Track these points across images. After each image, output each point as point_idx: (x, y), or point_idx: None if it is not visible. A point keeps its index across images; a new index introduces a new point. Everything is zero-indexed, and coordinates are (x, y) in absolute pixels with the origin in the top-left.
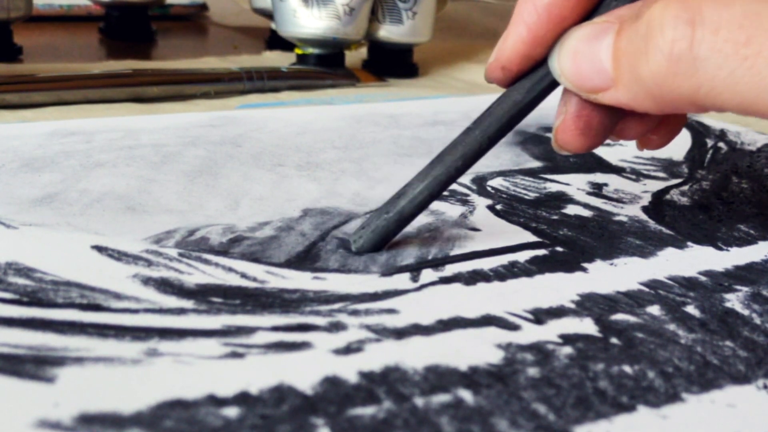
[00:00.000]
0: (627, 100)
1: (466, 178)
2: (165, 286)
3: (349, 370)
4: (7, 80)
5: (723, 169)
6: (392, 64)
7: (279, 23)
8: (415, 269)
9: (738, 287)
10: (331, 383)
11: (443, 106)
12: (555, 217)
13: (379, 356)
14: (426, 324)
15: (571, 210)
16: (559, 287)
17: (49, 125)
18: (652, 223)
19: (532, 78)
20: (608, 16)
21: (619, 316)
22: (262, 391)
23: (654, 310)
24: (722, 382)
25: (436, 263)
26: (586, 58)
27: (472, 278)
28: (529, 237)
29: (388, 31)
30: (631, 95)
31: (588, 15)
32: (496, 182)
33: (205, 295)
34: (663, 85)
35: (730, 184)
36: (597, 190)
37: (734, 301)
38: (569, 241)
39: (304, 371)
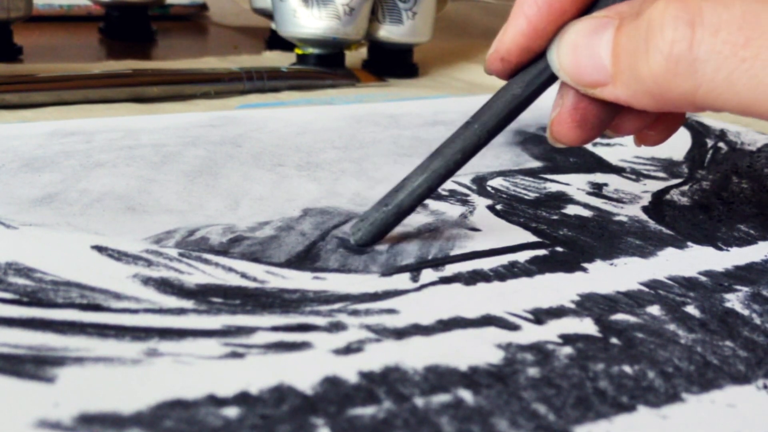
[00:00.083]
0: (625, 97)
1: (466, 178)
2: (165, 286)
3: (349, 370)
4: (7, 80)
5: (723, 169)
6: (392, 64)
7: (279, 23)
8: (415, 269)
9: (738, 287)
10: (331, 383)
11: (443, 106)
12: (555, 217)
13: (379, 356)
14: (426, 324)
15: (571, 210)
16: (559, 287)
17: (49, 125)
18: (652, 223)
19: (531, 71)
20: (608, 11)
21: (619, 316)
22: (262, 391)
23: (654, 310)
24: (722, 382)
25: (436, 263)
26: (586, 53)
27: (472, 278)
28: (529, 237)
29: (388, 31)
30: (630, 92)
31: (588, 9)
32: (496, 182)
33: (205, 295)
34: (662, 85)
35: (730, 184)
36: (597, 190)
37: (734, 301)
38: (569, 241)
39: (304, 371)
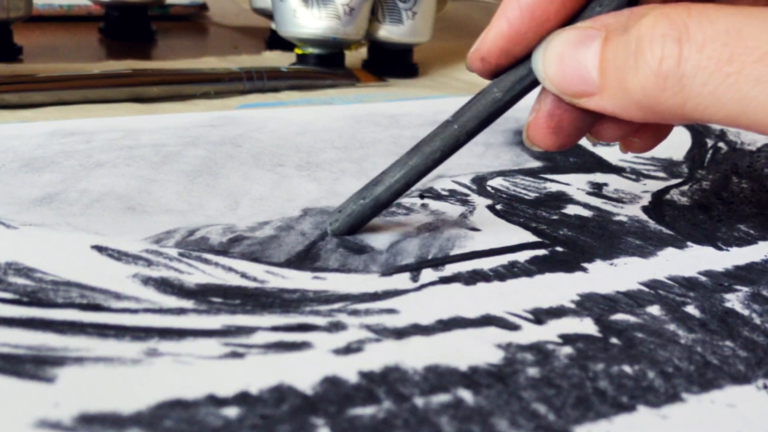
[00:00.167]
0: (612, 108)
1: (466, 178)
2: (165, 286)
3: (349, 370)
4: (7, 80)
5: (723, 169)
6: (392, 64)
7: (279, 23)
8: (415, 269)
9: (738, 287)
10: (331, 383)
11: (443, 106)
12: (555, 217)
13: (379, 356)
14: (426, 324)
15: (571, 210)
16: (559, 287)
17: (49, 125)
18: (652, 223)
19: (513, 76)
20: (593, 22)
21: (619, 316)
22: (262, 391)
23: (654, 310)
24: (722, 382)
25: (436, 263)
26: (572, 64)
27: (472, 278)
28: (529, 237)
29: (388, 31)
30: (617, 104)
31: (571, 19)
32: (496, 182)
33: (205, 295)
34: (651, 99)
35: (730, 184)
36: (597, 190)
37: (734, 301)
38: (569, 241)
39: (304, 371)
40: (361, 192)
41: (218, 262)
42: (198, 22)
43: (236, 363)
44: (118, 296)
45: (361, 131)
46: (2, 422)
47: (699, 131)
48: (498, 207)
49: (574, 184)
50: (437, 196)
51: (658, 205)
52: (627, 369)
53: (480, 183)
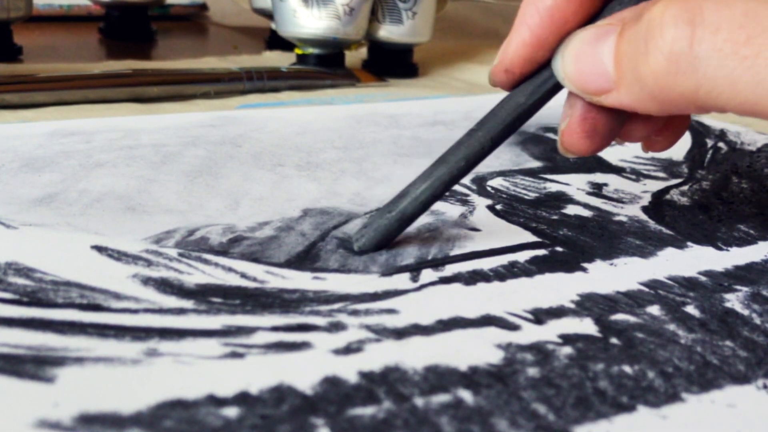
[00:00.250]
0: (629, 102)
1: (466, 179)
2: (165, 286)
3: (349, 370)
4: (7, 80)
5: (723, 169)
6: (392, 64)
7: (279, 23)
8: (415, 269)
9: (738, 287)
10: (331, 383)
11: (443, 106)
12: (555, 217)
13: (379, 356)
14: (426, 324)
15: (571, 210)
16: (559, 287)
17: (49, 125)
18: (652, 223)
19: (536, 81)
20: (611, 19)
21: (619, 316)
22: (262, 391)
23: (654, 310)
24: (722, 382)
25: (436, 263)
26: (589, 61)
27: (472, 278)
28: (529, 237)
29: (388, 31)
30: (633, 97)
31: (591, 18)
32: (496, 182)
33: (205, 295)
34: (663, 85)
35: (730, 184)
36: (597, 190)
37: (734, 301)
38: (569, 241)
39: (304, 371)
40: (386, 206)
41: (218, 262)
42: (198, 22)
43: (236, 363)
44: (118, 296)
45: (361, 131)
46: (2, 422)
47: (699, 131)
48: (498, 207)
49: (574, 184)
50: None
51: (658, 205)
52: (627, 369)
53: (480, 183)
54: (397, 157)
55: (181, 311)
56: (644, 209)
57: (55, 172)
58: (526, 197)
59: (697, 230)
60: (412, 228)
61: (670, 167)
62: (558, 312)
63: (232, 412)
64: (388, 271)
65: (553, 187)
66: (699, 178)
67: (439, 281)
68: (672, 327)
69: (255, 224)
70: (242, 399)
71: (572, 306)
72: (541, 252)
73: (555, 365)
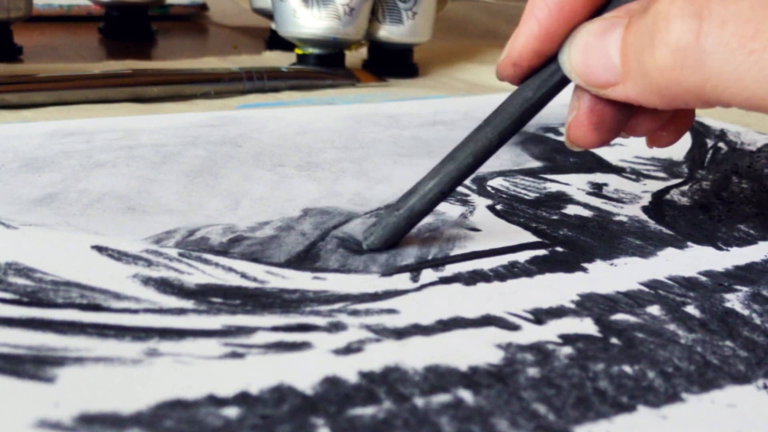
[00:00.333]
0: (635, 95)
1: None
2: (165, 286)
3: (349, 370)
4: (7, 80)
5: (723, 169)
6: (392, 64)
7: (279, 23)
8: (415, 269)
9: (738, 287)
10: (331, 383)
11: (443, 106)
12: (555, 217)
13: (379, 356)
14: (426, 324)
15: (571, 210)
16: (559, 287)
17: (49, 125)
18: (652, 223)
19: (543, 74)
20: (618, 11)
21: (619, 316)
22: (262, 391)
23: (654, 310)
24: (722, 382)
25: (436, 263)
26: (596, 53)
27: (472, 278)
28: (529, 237)
29: (388, 31)
30: (639, 90)
31: (599, 11)
32: (496, 182)
33: (205, 295)
34: (669, 79)
35: (730, 184)
36: (597, 190)
37: (734, 301)
38: (569, 241)
39: (304, 371)
40: (395, 204)
41: (218, 262)
42: (198, 22)
43: (236, 363)
44: (118, 296)
45: (361, 131)
46: (2, 422)
47: (699, 131)
48: (498, 207)
49: (574, 184)
50: None
51: (658, 205)
52: (627, 369)
53: (480, 183)
54: (397, 157)
55: (181, 311)
56: (644, 209)
57: (55, 172)
58: (526, 197)
59: (697, 230)
60: (413, 228)
61: (670, 167)
62: (558, 312)
63: (232, 412)
64: (389, 271)
65: (553, 187)
66: (699, 178)
67: (440, 281)
68: (672, 327)
69: (255, 224)
70: (242, 399)
71: (572, 306)
72: (541, 252)
73: (555, 365)
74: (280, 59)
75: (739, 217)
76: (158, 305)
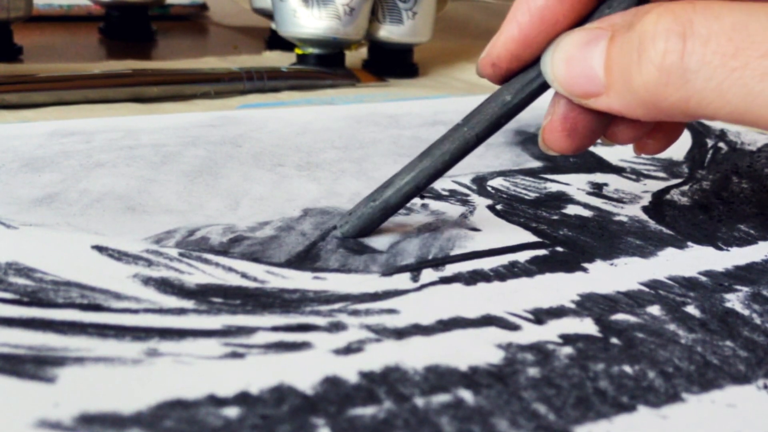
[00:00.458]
0: (619, 107)
1: (466, 178)
2: (165, 286)
3: (349, 370)
4: (7, 80)
5: (723, 169)
6: (392, 64)
7: (279, 23)
8: (415, 269)
9: (738, 287)
10: (331, 383)
11: (443, 106)
12: (555, 217)
13: (379, 356)
14: (426, 324)
15: (571, 210)
16: (559, 287)
17: (49, 125)
18: (652, 223)
19: (523, 79)
20: (600, 23)
21: (619, 316)
22: (262, 391)
23: (654, 310)
24: (722, 382)
25: (436, 263)
26: (579, 64)
27: (472, 278)
28: (529, 237)
29: (388, 31)
30: (623, 103)
31: (581, 21)
32: (496, 182)
33: (205, 295)
34: (655, 95)
35: (730, 184)
36: (597, 190)
37: (734, 301)
38: (569, 241)
39: (304, 371)
40: (371, 195)
41: (218, 262)
42: (198, 22)
43: (236, 363)
44: (118, 296)
45: (361, 131)
46: (2, 422)
47: (699, 131)
48: (498, 207)
49: (574, 184)
50: (437, 196)
51: (658, 205)
52: (627, 369)
53: (480, 183)
54: (397, 157)
55: (181, 311)
56: (644, 209)
57: (55, 172)
58: (526, 197)
59: (697, 230)
60: (413, 228)
61: (670, 167)
62: (558, 312)
63: (232, 412)
64: (389, 271)
65: (553, 187)
66: (699, 178)
67: (440, 281)
68: (672, 327)
69: (255, 224)
70: (242, 399)
71: (572, 306)
72: (542, 252)
73: (555, 365)
74: (280, 59)
75: (739, 217)
76: (158, 305)
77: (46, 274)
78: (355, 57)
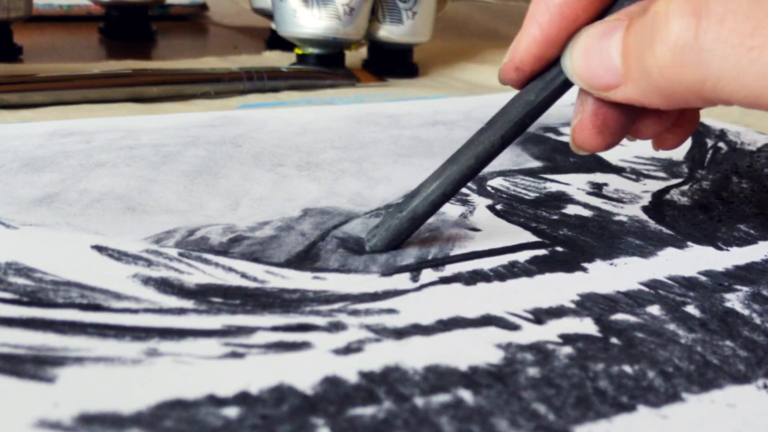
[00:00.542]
0: (637, 96)
1: None
2: (165, 286)
3: (349, 370)
4: (7, 80)
5: (723, 169)
6: (392, 64)
7: (279, 23)
8: (415, 269)
9: (738, 287)
10: (331, 383)
11: (443, 106)
12: (555, 217)
13: (379, 356)
14: (426, 324)
15: (571, 210)
16: (559, 287)
17: (49, 125)
18: (652, 223)
19: (545, 78)
20: (619, 14)
21: (619, 316)
22: (262, 391)
23: (654, 310)
24: (722, 382)
25: (436, 263)
26: (597, 56)
27: (472, 278)
28: (529, 237)
29: (388, 31)
30: (640, 90)
31: (601, 14)
32: (496, 182)
33: (205, 295)
34: (670, 77)
35: (730, 184)
36: (597, 190)
37: (734, 301)
38: (569, 241)
39: (304, 371)
40: (398, 206)
41: (218, 262)
42: (198, 22)
43: (236, 363)
44: (118, 296)
45: (361, 131)
46: (2, 422)
47: (699, 131)
48: (498, 207)
49: (574, 184)
50: None
51: (658, 205)
52: (627, 369)
53: (480, 183)
54: (397, 157)
55: (181, 311)
56: (644, 209)
57: (55, 172)
58: (526, 197)
59: (697, 230)
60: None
61: (670, 167)
62: (558, 312)
63: (232, 412)
64: (388, 271)
65: (553, 187)
66: (699, 178)
67: (440, 281)
68: (672, 327)
69: (255, 224)
70: (242, 399)
71: (572, 306)
72: (541, 252)
73: (555, 365)
74: (280, 59)
75: (739, 217)
76: (158, 305)
77: (46, 274)
78: (355, 57)
